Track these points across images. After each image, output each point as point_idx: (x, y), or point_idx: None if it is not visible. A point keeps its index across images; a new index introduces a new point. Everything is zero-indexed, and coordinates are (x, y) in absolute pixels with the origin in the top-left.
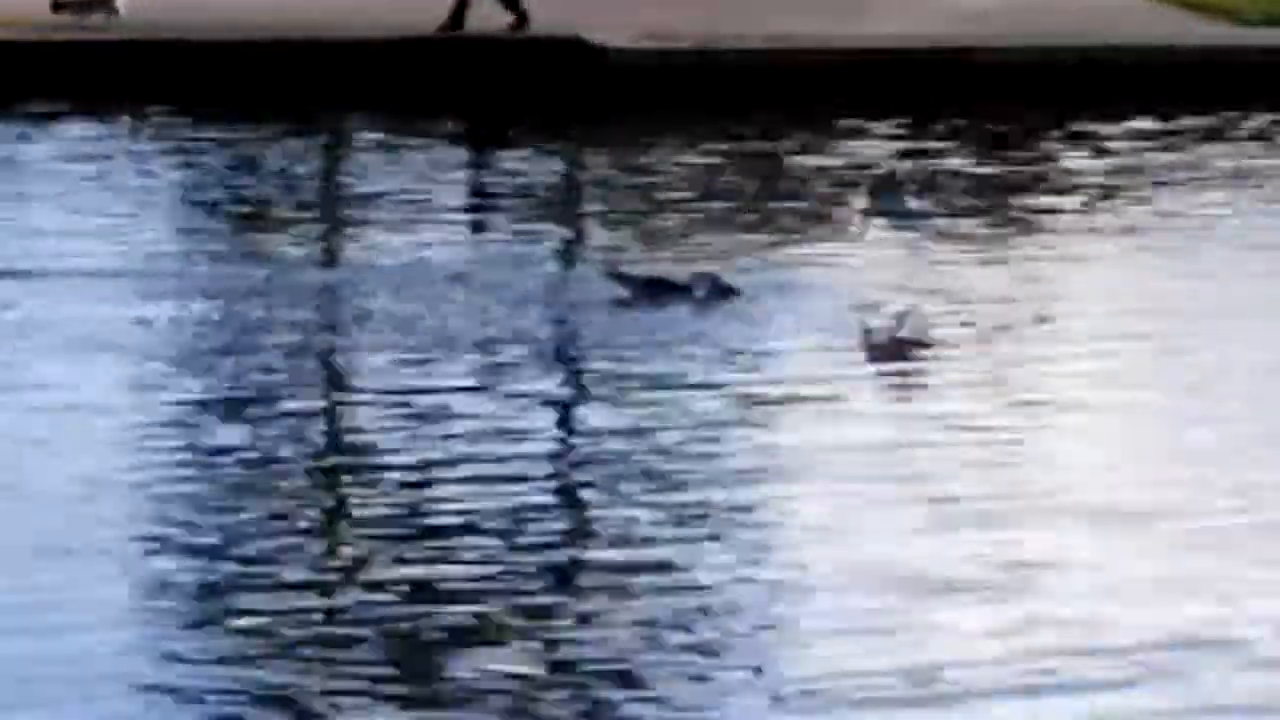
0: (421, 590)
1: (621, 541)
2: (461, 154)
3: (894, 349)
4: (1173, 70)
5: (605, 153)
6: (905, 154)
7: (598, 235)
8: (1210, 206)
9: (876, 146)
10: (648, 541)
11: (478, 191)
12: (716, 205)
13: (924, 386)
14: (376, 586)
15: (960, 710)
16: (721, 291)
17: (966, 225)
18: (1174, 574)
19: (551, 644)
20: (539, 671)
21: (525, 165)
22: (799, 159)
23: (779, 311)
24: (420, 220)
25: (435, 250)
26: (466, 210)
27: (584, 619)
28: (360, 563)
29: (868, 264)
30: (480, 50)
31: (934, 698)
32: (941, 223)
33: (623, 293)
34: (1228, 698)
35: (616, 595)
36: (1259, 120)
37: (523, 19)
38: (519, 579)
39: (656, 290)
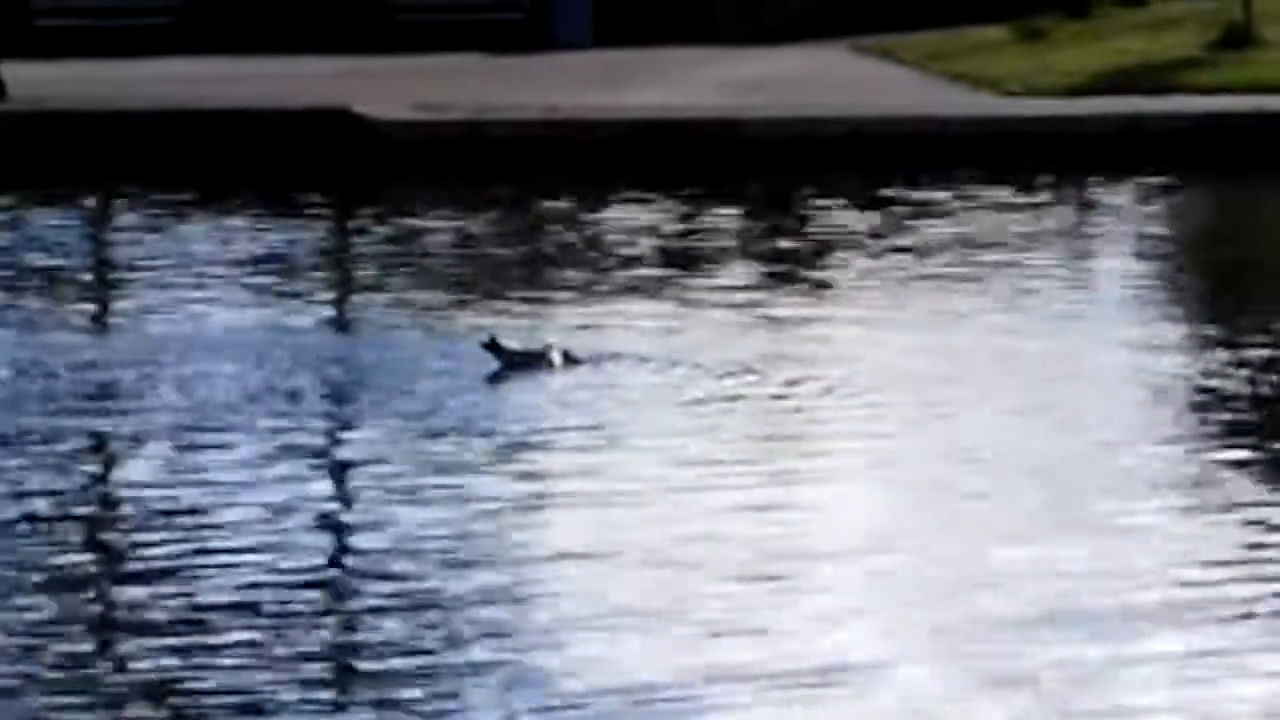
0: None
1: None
2: (229, 223)
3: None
4: (942, 140)
5: (370, 221)
6: (678, 220)
7: (358, 301)
8: (980, 268)
9: (645, 215)
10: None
11: (244, 259)
12: (478, 272)
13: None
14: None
15: None
16: (571, 362)
17: (740, 288)
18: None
19: None
20: None
21: (290, 234)
22: (564, 227)
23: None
24: (184, 285)
25: (198, 317)
26: (231, 278)
27: None
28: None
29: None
30: (251, 122)
31: None
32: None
33: (494, 363)
34: None
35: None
36: (1026, 186)
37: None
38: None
39: (524, 362)
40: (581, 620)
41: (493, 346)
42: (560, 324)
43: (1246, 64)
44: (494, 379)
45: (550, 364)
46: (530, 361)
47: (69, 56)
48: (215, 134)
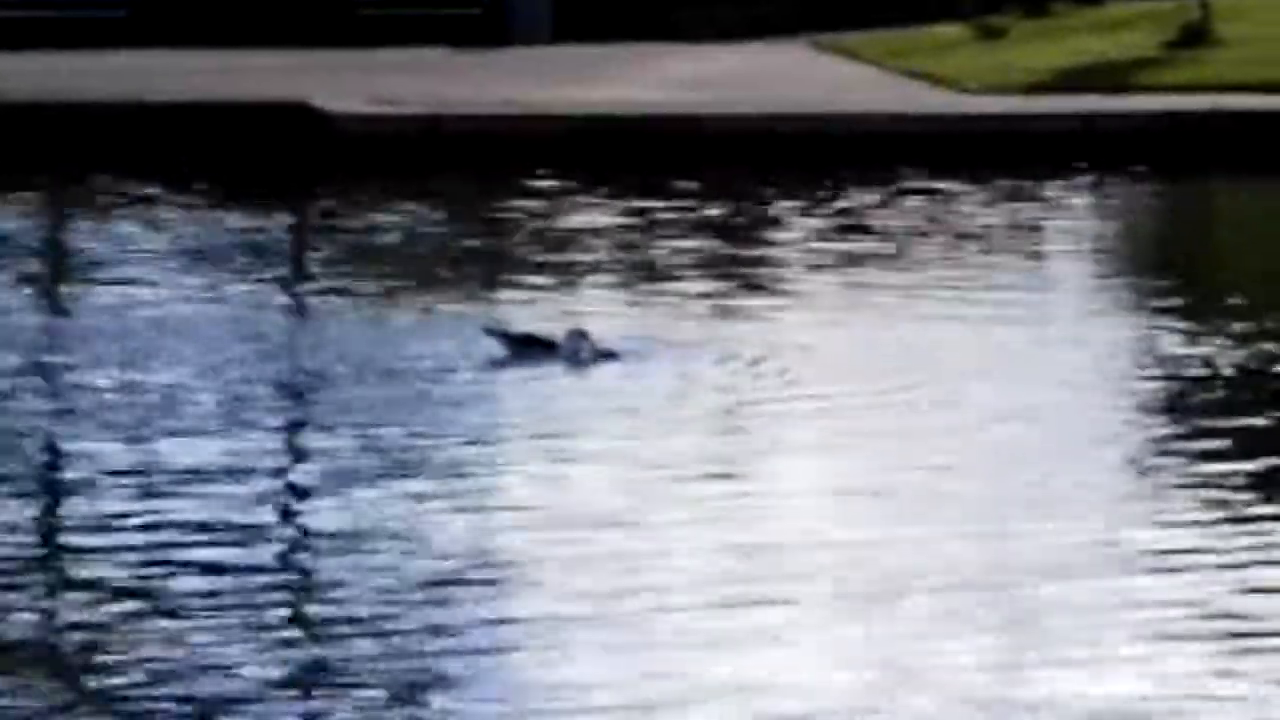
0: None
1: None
2: (185, 216)
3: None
4: (900, 137)
5: (327, 214)
6: (635, 215)
7: (319, 294)
8: (936, 265)
9: (602, 211)
10: None
11: (199, 251)
12: (436, 265)
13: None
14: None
15: None
16: (597, 354)
17: (701, 281)
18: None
19: None
20: None
21: (247, 227)
22: (522, 220)
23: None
24: (142, 277)
25: (158, 307)
26: (186, 270)
27: None
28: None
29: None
30: (209, 116)
31: None
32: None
33: (497, 349)
34: None
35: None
36: (983, 183)
37: None
38: None
39: (529, 347)
40: (528, 621)
41: (497, 332)
42: (517, 316)
43: (1203, 63)
44: (498, 365)
45: (573, 354)
46: (540, 346)
47: (22, 48)
48: (172, 127)
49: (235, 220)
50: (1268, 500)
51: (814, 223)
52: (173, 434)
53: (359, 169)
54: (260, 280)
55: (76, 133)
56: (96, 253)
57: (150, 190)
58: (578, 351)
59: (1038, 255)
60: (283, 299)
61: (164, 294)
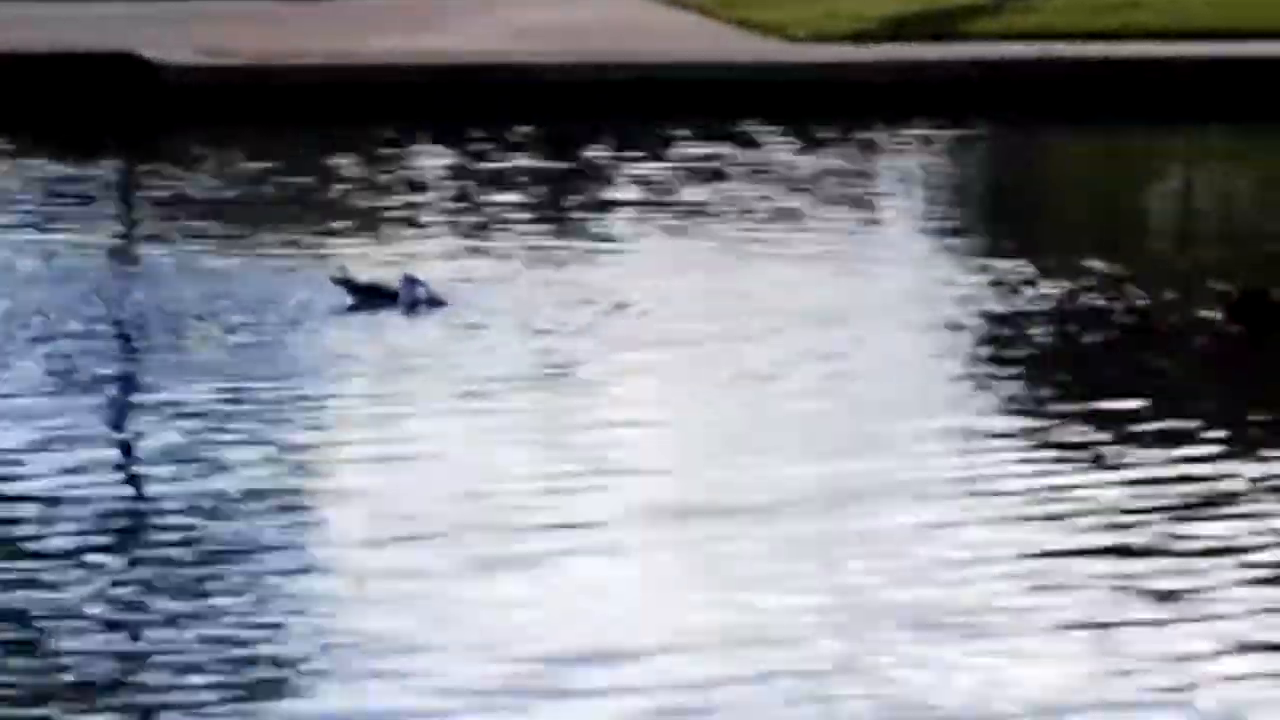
0: None
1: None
2: (10, 167)
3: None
4: (729, 86)
5: (155, 165)
6: (467, 164)
7: (146, 244)
8: (765, 213)
9: (433, 160)
10: None
11: (25, 202)
12: (267, 217)
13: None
14: None
15: None
16: (430, 302)
17: (533, 228)
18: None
19: None
20: None
21: (75, 179)
22: (354, 171)
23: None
24: None
25: None
26: (14, 223)
27: None
28: None
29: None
30: (32, 66)
31: None
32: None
33: (347, 298)
34: None
35: None
36: (812, 132)
37: None
38: None
39: (374, 296)
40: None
41: (344, 281)
42: (353, 266)
43: (1032, 11)
44: (347, 312)
45: (410, 300)
46: (383, 296)
47: None
48: None
49: (61, 171)
50: (1075, 433)
51: (644, 171)
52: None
53: (188, 120)
54: (88, 233)
55: None
56: None
57: None
58: (414, 298)
59: (866, 203)
60: (111, 251)
61: None
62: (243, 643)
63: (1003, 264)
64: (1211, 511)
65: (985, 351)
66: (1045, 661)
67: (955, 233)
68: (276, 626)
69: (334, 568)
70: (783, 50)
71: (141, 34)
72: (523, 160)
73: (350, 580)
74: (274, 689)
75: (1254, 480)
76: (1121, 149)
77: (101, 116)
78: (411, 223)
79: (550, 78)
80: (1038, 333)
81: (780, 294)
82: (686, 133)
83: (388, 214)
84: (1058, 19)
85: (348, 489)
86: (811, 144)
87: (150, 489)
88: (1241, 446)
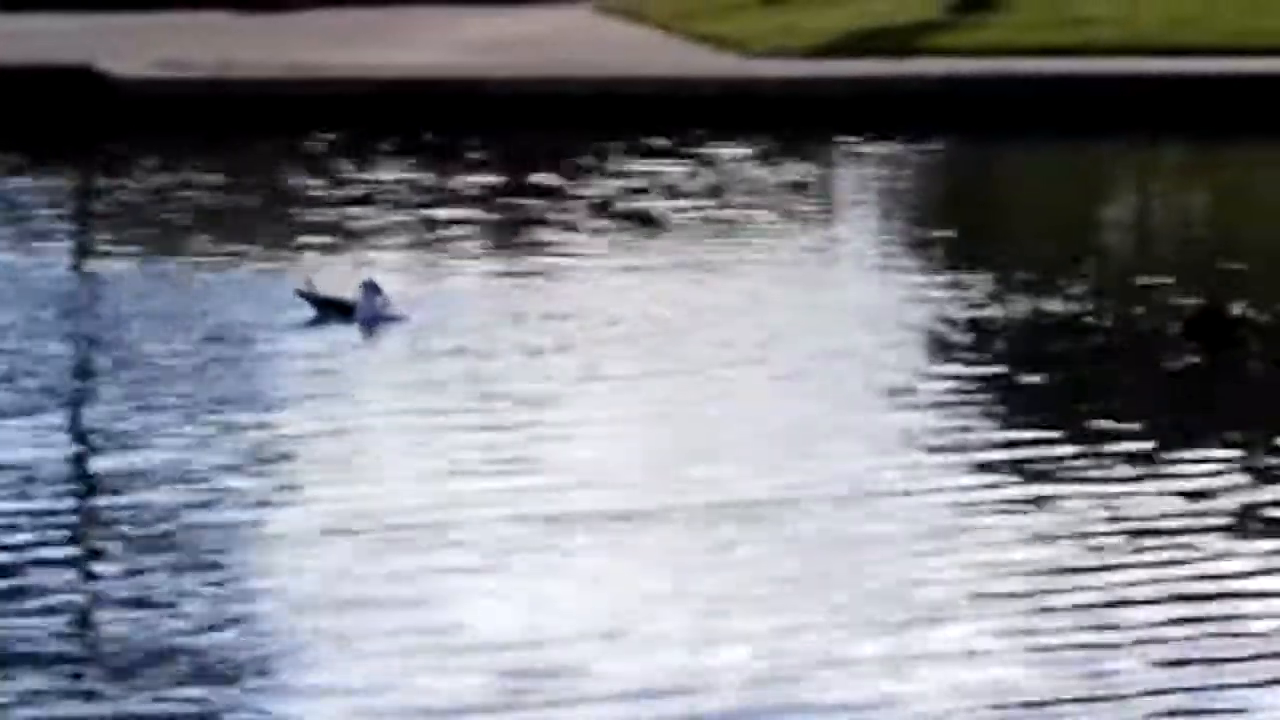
0: None
1: None
2: None
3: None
4: (686, 101)
5: (114, 180)
6: (421, 176)
7: (101, 257)
8: (724, 226)
9: (386, 172)
10: None
11: None
12: (224, 229)
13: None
14: None
15: None
16: (387, 317)
17: (489, 242)
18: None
19: None
20: None
21: (30, 190)
22: (308, 182)
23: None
24: None
25: None
26: None
27: None
28: None
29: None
30: None
31: None
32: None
33: (310, 311)
34: None
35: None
36: (770, 146)
37: None
38: None
39: (332, 309)
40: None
41: (307, 295)
42: (311, 276)
43: (988, 27)
44: (307, 326)
45: (368, 311)
46: (342, 310)
47: None
48: None
49: (18, 184)
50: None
51: (599, 184)
52: None
53: (144, 132)
54: (43, 245)
55: None
56: None
57: None
58: (374, 310)
59: (822, 216)
60: (67, 263)
61: None
62: (204, 648)
63: (960, 278)
64: (1154, 525)
65: (940, 365)
66: (994, 665)
67: (913, 246)
68: (232, 625)
69: (285, 574)
70: (740, 65)
71: (99, 47)
72: (479, 175)
73: (303, 583)
74: (229, 693)
75: (1201, 493)
76: (1078, 164)
77: (58, 130)
78: (368, 234)
79: (507, 91)
80: (994, 346)
81: (739, 307)
82: (644, 146)
83: (345, 225)
84: (1016, 35)
85: (302, 496)
86: (769, 158)
87: (99, 500)
88: (1195, 461)
